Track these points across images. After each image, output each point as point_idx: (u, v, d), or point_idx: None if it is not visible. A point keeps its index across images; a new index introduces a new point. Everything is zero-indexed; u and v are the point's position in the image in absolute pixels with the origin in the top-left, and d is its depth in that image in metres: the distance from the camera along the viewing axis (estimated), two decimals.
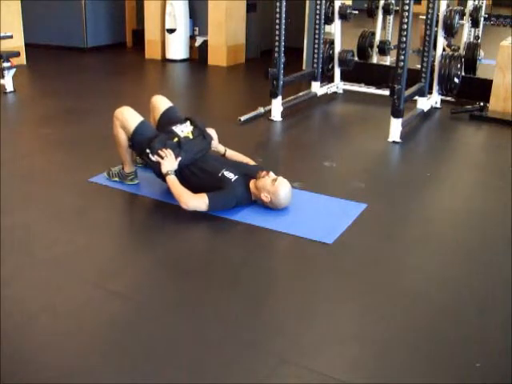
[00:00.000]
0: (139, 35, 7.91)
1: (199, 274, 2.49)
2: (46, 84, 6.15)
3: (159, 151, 3.03)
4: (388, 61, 6.69)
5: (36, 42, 7.45)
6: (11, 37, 5.79)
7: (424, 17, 5.01)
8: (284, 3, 4.68)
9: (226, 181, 3.00)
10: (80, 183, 3.36)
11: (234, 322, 2.15)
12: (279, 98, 4.86)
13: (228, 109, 5.45)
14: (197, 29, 7.55)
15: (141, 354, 1.94)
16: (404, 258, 2.73)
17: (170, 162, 3.02)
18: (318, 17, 5.52)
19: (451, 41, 5.86)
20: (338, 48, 5.84)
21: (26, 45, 6.73)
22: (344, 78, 5.97)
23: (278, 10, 4.68)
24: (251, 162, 3.39)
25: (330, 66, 5.95)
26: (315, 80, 5.62)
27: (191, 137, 3.17)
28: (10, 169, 3.52)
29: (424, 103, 5.10)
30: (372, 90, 5.87)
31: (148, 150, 3.06)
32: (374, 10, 6.66)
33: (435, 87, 5.29)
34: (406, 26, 4.15)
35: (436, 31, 5.04)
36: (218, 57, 7.21)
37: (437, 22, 5.00)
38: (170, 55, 7.42)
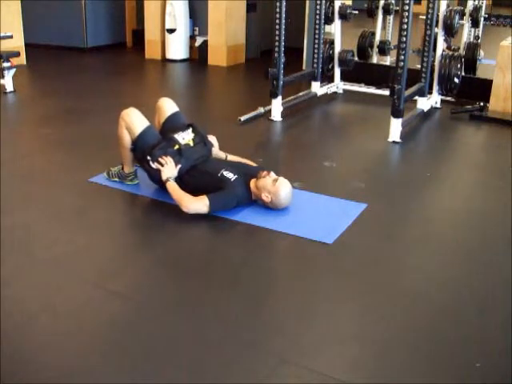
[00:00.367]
0: (139, 35, 7.91)
1: (199, 274, 2.49)
2: (46, 84, 6.15)
3: (159, 159, 3.06)
4: (388, 61, 6.69)
5: (36, 42, 7.45)
6: (11, 37, 5.79)
7: (424, 17, 5.01)
8: (284, 3, 4.68)
9: (225, 181, 3.00)
10: (80, 183, 3.36)
11: (234, 322, 2.15)
12: (279, 98, 4.86)
13: (228, 109, 5.45)
14: (197, 29, 7.56)
15: (141, 354, 1.94)
16: (404, 258, 2.73)
17: (169, 169, 3.05)
18: (317, 17, 5.52)
19: (451, 41, 5.86)
20: (337, 48, 5.84)
21: (26, 45, 6.73)
22: (344, 78, 5.97)
23: (278, 9, 4.68)
24: (253, 165, 3.39)
25: (330, 66, 5.95)
26: (315, 80, 5.62)
27: (192, 144, 3.20)
28: (9, 169, 3.52)
29: (424, 103, 5.10)
30: (372, 89, 5.87)
31: (149, 157, 3.10)
32: (374, 10, 6.66)
33: (435, 87, 5.29)
34: (406, 26, 4.15)
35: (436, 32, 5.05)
36: (218, 57, 7.21)
37: (437, 21, 5.00)
38: (169, 55, 7.42)
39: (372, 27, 6.64)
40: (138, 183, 3.34)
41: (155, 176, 3.12)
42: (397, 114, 4.31)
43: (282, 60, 4.82)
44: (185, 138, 3.21)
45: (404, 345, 2.06)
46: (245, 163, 3.34)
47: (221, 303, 2.27)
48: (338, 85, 5.93)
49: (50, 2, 7.59)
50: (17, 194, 3.24)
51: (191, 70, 7.25)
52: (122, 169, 3.32)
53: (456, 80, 5.18)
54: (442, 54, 5.21)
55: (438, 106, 5.43)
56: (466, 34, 6.00)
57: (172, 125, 3.32)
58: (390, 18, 6.79)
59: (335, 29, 5.81)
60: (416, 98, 5.03)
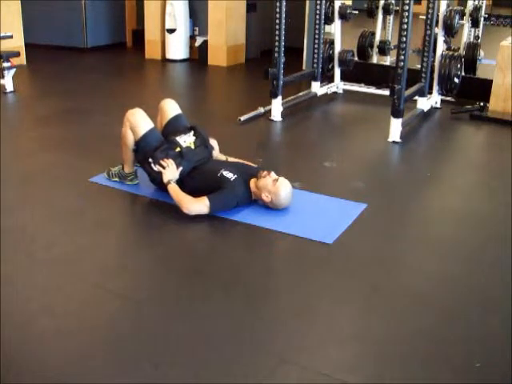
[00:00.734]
0: (139, 35, 7.91)
1: (199, 274, 2.49)
2: (46, 84, 6.15)
3: (161, 161, 3.07)
4: (388, 61, 6.69)
5: (36, 42, 7.44)
6: (11, 37, 5.79)
7: (424, 17, 5.01)
8: (284, 3, 4.68)
9: (225, 180, 3.00)
10: (80, 183, 3.36)
11: (234, 322, 2.15)
12: (279, 98, 4.86)
13: (228, 109, 5.45)
14: (197, 29, 7.55)
15: (141, 354, 1.94)
16: (404, 258, 2.73)
17: (171, 171, 3.06)
18: (317, 17, 5.52)
19: (451, 41, 5.86)
20: (338, 48, 5.84)
21: (26, 45, 6.72)
22: (344, 77, 5.97)
23: (278, 9, 4.68)
24: (252, 165, 3.39)
25: (330, 66, 5.95)
26: (315, 80, 5.62)
27: (193, 147, 3.21)
28: (10, 169, 3.52)
29: (424, 103, 5.10)
30: (372, 89, 5.87)
31: (150, 160, 3.11)
32: (374, 10, 6.66)
33: (435, 87, 5.28)
34: (406, 26, 4.15)
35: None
36: (218, 57, 7.21)
37: (437, 21, 5.00)
38: (169, 55, 7.42)
39: (372, 27, 6.64)
40: (137, 183, 3.34)
41: (156, 178, 3.13)
42: (397, 114, 4.31)
43: (282, 60, 4.82)
44: (186, 140, 3.22)
45: (404, 345, 2.06)
46: (245, 163, 3.34)
47: (221, 303, 2.27)
48: (338, 85, 5.93)
49: (50, 2, 7.59)
50: (17, 193, 3.24)
51: (191, 70, 7.24)
52: (123, 168, 3.32)
53: (456, 80, 5.18)
54: (442, 54, 5.21)
55: (438, 106, 5.43)
56: (466, 34, 5.99)
57: (174, 127, 3.33)
58: (390, 18, 6.78)
59: (335, 29, 5.81)
60: (416, 98, 5.03)
